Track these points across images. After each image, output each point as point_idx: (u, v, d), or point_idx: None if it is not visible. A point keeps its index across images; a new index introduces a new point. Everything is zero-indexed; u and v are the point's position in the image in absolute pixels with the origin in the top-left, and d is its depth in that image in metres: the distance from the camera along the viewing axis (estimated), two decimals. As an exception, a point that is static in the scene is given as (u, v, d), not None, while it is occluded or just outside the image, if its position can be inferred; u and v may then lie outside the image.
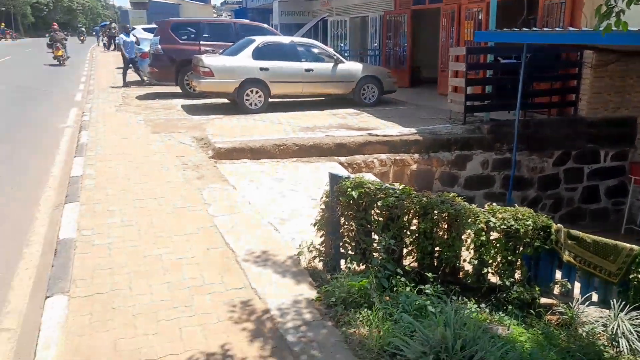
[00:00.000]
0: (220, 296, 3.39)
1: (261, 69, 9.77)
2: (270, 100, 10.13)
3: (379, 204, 3.53)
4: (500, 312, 3.41)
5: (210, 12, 38.48)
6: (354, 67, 10.71)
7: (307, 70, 10.06)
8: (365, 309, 2.97)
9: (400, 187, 3.61)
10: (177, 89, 12.55)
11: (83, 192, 5.33)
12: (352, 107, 10.30)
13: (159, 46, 11.62)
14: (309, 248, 3.83)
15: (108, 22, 36.60)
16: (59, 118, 9.88)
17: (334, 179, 3.65)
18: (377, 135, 7.90)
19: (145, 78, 13.98)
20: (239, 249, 4.10)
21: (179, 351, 2.80)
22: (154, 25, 17.04)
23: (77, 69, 19.35)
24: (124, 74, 14.06)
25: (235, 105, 10.21)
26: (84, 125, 8.74)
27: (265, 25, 13.73)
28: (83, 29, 46.56)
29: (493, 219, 3.48)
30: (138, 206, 4.99)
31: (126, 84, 13.79)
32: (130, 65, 13.99)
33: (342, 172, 6.32)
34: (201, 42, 11.76)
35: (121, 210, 4.85)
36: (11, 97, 12.44)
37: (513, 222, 3.47)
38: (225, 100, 11.07)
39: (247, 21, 14.03)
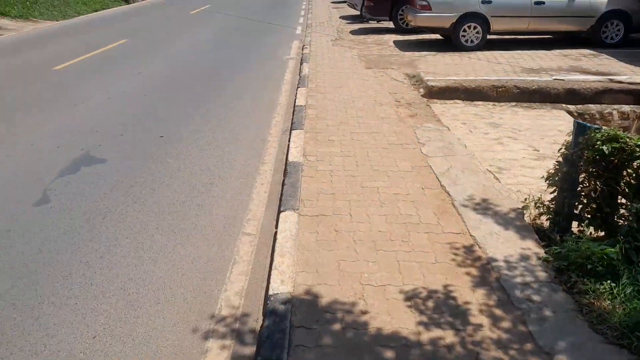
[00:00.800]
0: (437, 237, 3.35)
1: (483, 2, 9.01)
2: (488, 37, 9.37)
3: (635, 164, 2.99)
4: None
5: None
6: (595, -1, 9.15)
7: (537, 2, 8.92)
8: (609, 281, 2.61)
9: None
10: (389, 25, 12.44)
11: (306, 120, 5.73)
12: (588, 48, 8.93)
13: (378, -21, 11.51)
14: (535, 203, 3.50)
15: None
16: (283, 50, 10.69)
17: (581, 128, 3.19)
18: (620, 82, 6.73)
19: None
20: (456, 194, 3.97)
21: (398, 283, 2.87)
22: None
23: (295, 3, 20.56)
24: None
25: (449, 41, 9.72)
26: (305, 57, 9.30)
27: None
28: None
29: None
30: (355, 139, 5.17)
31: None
32: None
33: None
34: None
35: (340, 141, 5.09)
36: (242, 29, 13.86)
37: None
38: (438, 36, 10.60)
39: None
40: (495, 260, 3.05)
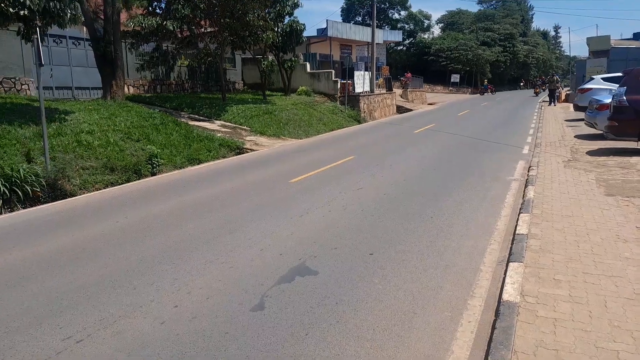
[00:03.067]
0: None
1: None
2: None
3: None
4: None
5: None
6: None
7: None
8: None
9: None
10: (637, 145, 10.92)
11: (528, 252, 5.15)
12: None
13: (624, 97, 10.40)
14: None
15: (550, 74, 36.13)
16: (506, 170, 10.22)
17: None
18: None
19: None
20: None
21: None
22: (616, 74, 15.64)
23: (523, 123, 19.89)
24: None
25: None
26: (530, 179, 8.68)
27: None
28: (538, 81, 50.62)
29: None
30: (589, 281, 4.38)
31: None
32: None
33: None
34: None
35: (569, 283, 4.37)
36: (464, 148, 13.87)
37: None
38: None
39: None
40: None
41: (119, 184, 10.34)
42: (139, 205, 8.29)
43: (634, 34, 41.98)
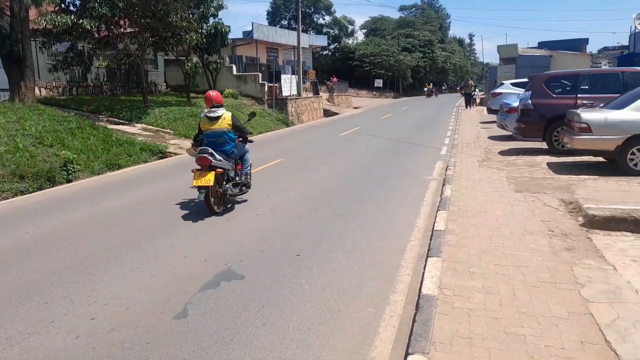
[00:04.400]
0: (602, 414, 2.69)
1: (657, 122, 8.10)
2: (664, 161, 8.27)
3: None
4: None
5: (586, 62, 35.36)
6: None
7: None
8: None
9: None
10: (542, 145, 11.83)
11: (445, 247, 5.42)
12: None
13: (530, 101, 11.24)
14: None
15: (465, 80, 38.49)
16: (425, 170, 10.69)
17: None
18: None
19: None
20: (626, 354, 3.24)
21: None
22: (523, 80, 16.83)
23: (441, 125, 20.92)
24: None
25: (612, 164, 8.79)
26: (448, 179, 9.13)
27: (668, 72, 11.48)
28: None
29: None
30: (500, 272, 4.69)
31: None
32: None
33: None
34: (578, 96, 10.77)
35: (482, 275, 4.65)
36: (387, 150, 14.35)
37: None
38: (599, 159, 9.70)
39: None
40: None
41: (30, 192, 9.64)
42: (51, 214, 7.78)
43: (539, 43, 45.49)
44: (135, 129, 16.15)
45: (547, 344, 3.41)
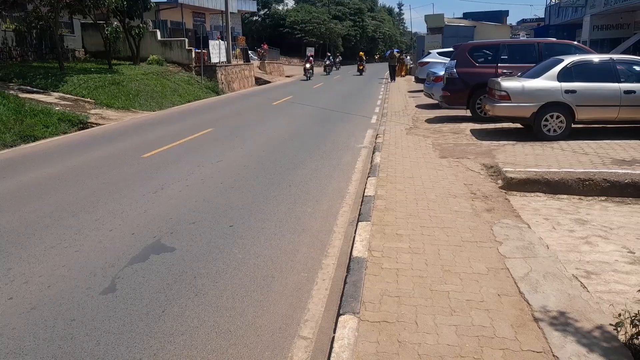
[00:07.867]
0: (515, 356, 2.93)
1: (567, 91, 8.70)
2: (573, 126, 8.94)
3: None
4: None
5: (506, 33, 37.02)
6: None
7: (628, 92, 8.47)
8: None
9: None
10: (466, 113, 12.35)
11: (375, 212, 5.58)
12: (689, 138, 8.19)
13: (455, 70, 11.64)
14: (632, 320, 3.00)
15: (390, 50, 38.55)
16: (356, 139, 10.86)
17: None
18: None
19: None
20: (536, 303, 3.54)
21: (467, 414, 2.49)
22: (449, 49, 17.34)
23: (372, 94, 21.24)
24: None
25: (529, 130, 9.38)
26: (377, 146, 9.34)
27: (575, 43, 12.29)
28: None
29: None
30: (425, 234, 4.92)
31: None
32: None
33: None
34: (499, 65, 11.29)
35: (409, 236, 4.86)
36: (319, 119, 14.40)
37: None
38: (518, 125, 10.31)
39: (553, 40, 12.83)
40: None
41: None
42: (-42, 191, 7.16)
43: (464, 14, 47.03)
44: (51, 97, 15.04)
45: (468, 298, 3.65)
